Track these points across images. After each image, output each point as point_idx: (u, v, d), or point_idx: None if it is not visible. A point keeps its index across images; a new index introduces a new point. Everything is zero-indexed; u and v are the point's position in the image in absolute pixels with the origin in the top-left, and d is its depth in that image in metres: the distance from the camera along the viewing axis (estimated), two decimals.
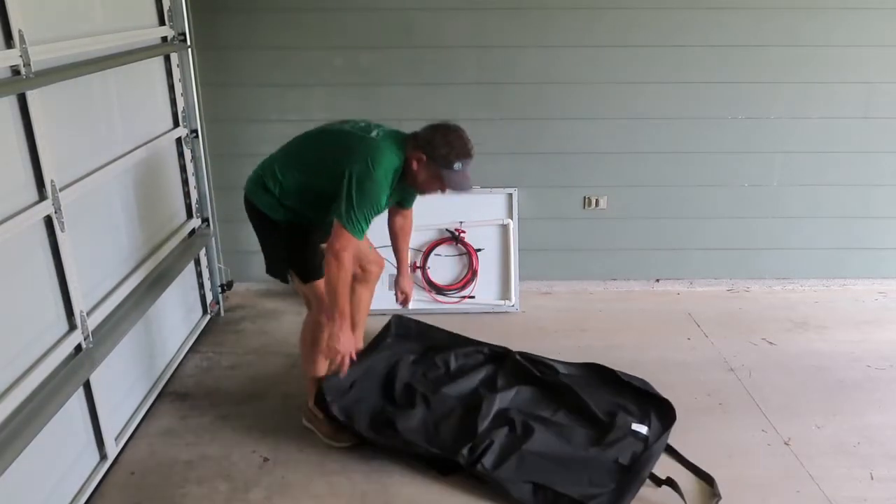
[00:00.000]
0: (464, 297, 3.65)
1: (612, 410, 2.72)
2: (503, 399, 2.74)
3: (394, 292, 2.92)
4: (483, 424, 2.59)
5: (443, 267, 3.67)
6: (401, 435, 2.53)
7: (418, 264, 3.62)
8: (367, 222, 2.30)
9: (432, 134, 2.34)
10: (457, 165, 2.33)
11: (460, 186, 2.38)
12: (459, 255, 3.66)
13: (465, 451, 2.44)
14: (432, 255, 3.63)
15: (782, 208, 3.80)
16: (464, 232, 3.61)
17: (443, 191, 2.40)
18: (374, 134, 2.40)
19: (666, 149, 3.68)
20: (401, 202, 2.68)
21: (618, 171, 3.71)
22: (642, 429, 2.62)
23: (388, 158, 2.30)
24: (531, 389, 2.83)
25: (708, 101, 3.60)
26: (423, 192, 2.47)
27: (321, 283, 2.44)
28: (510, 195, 3.63)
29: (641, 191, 3.75)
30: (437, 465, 2.47)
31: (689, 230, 3.85)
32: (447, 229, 3.62)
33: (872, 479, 2.45)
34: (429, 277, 3.63)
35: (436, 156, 2.31)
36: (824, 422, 2.76)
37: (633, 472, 2.41)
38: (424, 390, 2.77)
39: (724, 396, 2.92)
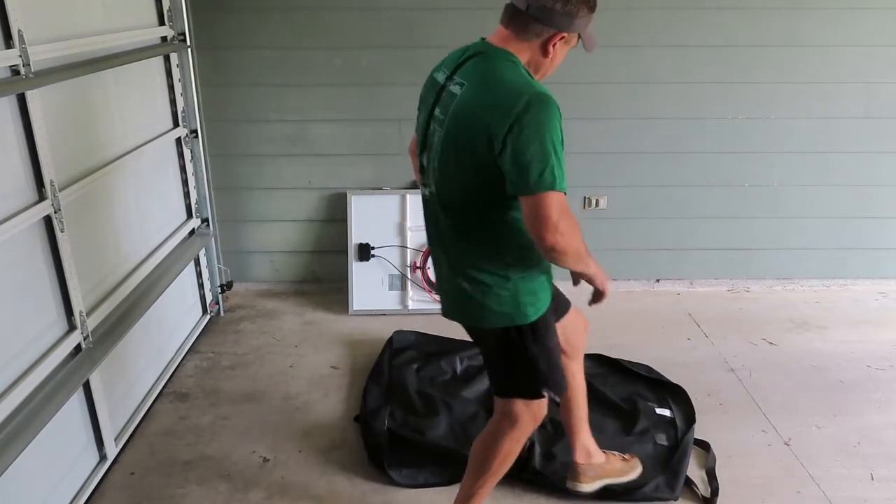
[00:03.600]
0: None
1: (629, 398, 2.79)
2: None
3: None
4: None
5: None
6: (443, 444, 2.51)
7: (418, 264, 3.62)
8: (564, 172, 1.65)
9: (550, 6, 1.66)
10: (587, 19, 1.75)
11: (593, 41, 1.84)
12: None
13: None
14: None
15: (782, 208, 3.79)
16: None
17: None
18: (481, 68, 1.72)
19: (666, 149, 3.68)
20: None
21: (618, 171, 3.71)
22: (665, 412, 2.71)
23: (528, 79, 1.72)
24: None
25: (708, 101, 3.60)
26: (548, 74, 1.87)
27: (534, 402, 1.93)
28: None
29: (641, 191, 3.75)
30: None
31: (689, 230, 3.84)
32: None
33: (873, 479, 2.45)
34: (429, 277, 3.63)
35: (577, 20, 1.70)
36: (824, 422, 2.76)
37: (680, 453, 2.47)
38: (442, 396, 2.78)
39: (724, 396, 2.92)
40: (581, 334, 2.26)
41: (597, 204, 3.76)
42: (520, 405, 1.92)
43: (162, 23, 3.04)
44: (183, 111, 3.22)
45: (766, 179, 3.74)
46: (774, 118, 3.64)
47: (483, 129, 1.62)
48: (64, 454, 2.24)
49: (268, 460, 2.54)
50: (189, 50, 3.20)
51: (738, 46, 3.50)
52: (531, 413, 1.93)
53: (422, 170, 1.85)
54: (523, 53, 1.73)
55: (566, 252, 1.70)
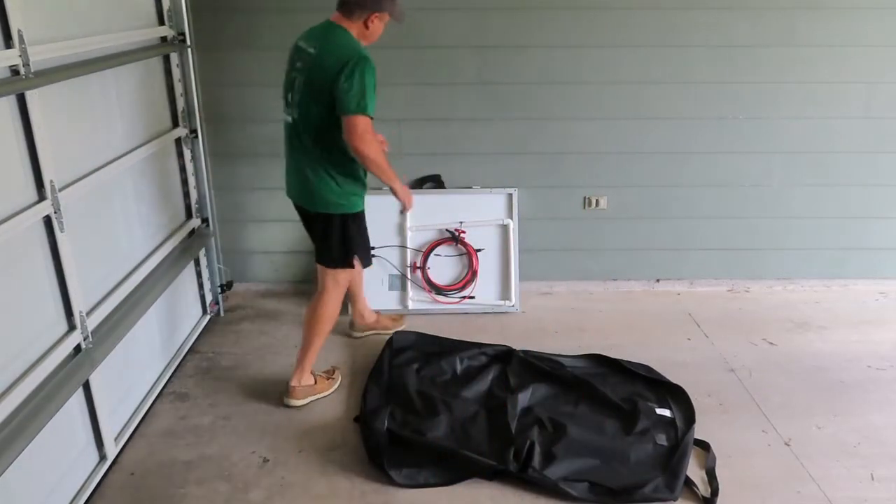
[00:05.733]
0: (464, 297, 3.64)
1: (629, 398, 2.79)
2: (524, 398, 2.76)
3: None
4: (513, 425, 2.60)
5: (443, 267, 3.66)
6: (447, 446, 2.52)
7: (418, 264, 3.63)
8: (373, 103, 2.52)
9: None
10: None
11: (402, 15, 2.65)
12: (459, 255, 3.66)
13: (510, 457, 2.43)
14: (432, 255, 3.63)
15: (782, 208, 3.79)
16: (464, 232, 3.61)
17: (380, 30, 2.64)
18: (325, 37, 2.58)
19: (666, 149, 3.68)
20: None
21: (618, 171, 3.71)
22: (665, 412, 2.72)
23: (354, 44, 2.56)
24: (546, 386, 2.86)
25: (708, 101, 3.60)
26: (372, 41, 2.66)
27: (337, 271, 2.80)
28: (510, 195, 3.63)
29: (641, 191, 3.75)
30: (479, 471, 2.43)
31: (689, 230, 3.84)
32: (447, 229, 3.62)
33: (873, 479, 2.45)
34: (429, 277, 3.63)
35: (385, 5, 2.57)
36: (824, 422, 2.76)
37: (679, 454, 2.48)
38: (442, 396, 2.78)
39: (725, 396, 2.92)
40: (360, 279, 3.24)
41: (597, 204, 3.76)
42: (336, 273, 2.79)
43: (162, 23, 3.05)
44: (183, 111, 3.22)
45: (766, 179, 3.75)
46: (774, 118, 3.64)
47: (329, 73, 2.47)
48: (64, 454, 2.24)
49: (268, 460, 2.54)
50: (189, 50, 3.20)
51: (738, 46, 3.50)
52: (344, 278, 2.83)
53: (287, 105, 2.67)
54: (353, 28, 2.57)
55: (369, 157, 2.53)
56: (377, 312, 3.45)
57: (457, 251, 3.65)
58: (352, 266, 2.79)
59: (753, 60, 3.53)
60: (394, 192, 2.77)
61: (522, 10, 3.41)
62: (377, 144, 2.60)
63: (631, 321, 3.58)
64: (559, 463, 2.43)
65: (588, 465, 2.43)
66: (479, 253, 3.63)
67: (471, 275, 3.63)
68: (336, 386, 2.97)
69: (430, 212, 3.59)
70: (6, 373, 1.95)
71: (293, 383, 2.84)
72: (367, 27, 2.58)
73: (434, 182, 3.57)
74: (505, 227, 3.65)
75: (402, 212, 2.80)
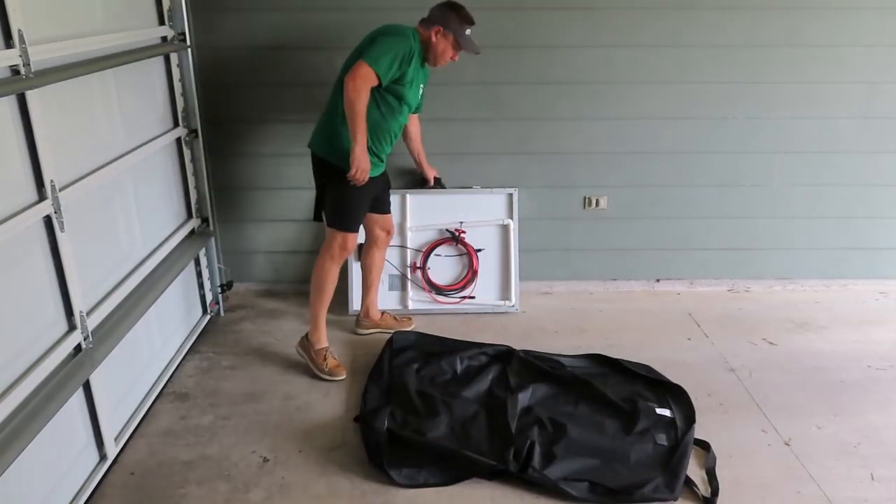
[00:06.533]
0: (464, 297, 3.65)
1: (629, 398, 2.79)
2: (524, 398, 2.76)
3: (425, 179, 3.51)
4: (513, 425, 2.60)
5: (443, 267, 3.66)
6: (447, 447, 2.51)
7: (418, 264, 3.63)
8: (387, 65, 2.71)
9: (443, 10, 2.86)
10: (468, 31, 2.87)
11: (474, 47, 2.90)
12: (459, 255, 3.66)
13: (510, 457, 2.43)
14: (432, 255, 3.63)
15: (783, 208, 3.80)
16: (464, 232, 3.61)
17: (455, 57, 2.91)
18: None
19: (666, 149, 3.68)
20: (417, 107, 3.13)
21: (618, 171, 3.71)
22: (666, 412, 2.72)
23: (406, 31, 2.82)
24: (546, 386, 2.86)
25: (708, 101, 3.60)
26: (438, 62, 2.91)
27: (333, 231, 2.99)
28: (510, 195, 3.63)
29: (641, 191, 3.75)
30: (479, 471, 2.43)
31: (689, 230, 3.85)
32: (447, 229, 3.62)
33: (873, 479, 2.45)
34: (429, 277, 3.63)
35: (451, 25, 2.82)
36: (825, 422, 2.76)
37: (679, 454, 2.48)
38: (442, 396, 2.78)
39: (725, 396, 2.92)
40: (386, 235, 3.34)
41: (597, 204, 3.76)
42: (332, 237, 2.98)
43: (162, 23, 3.05)
44: (183, 111, 3.22)
45: (766, 179, 3.75)
46: (775, 118, 3.64)
47: (371, 35, 2.83)
48: (64, 454, 2.24)
49: (268, 460, 2.54)
50: (189, 50, 3.20)
51: (738, 46, 3.50)
52: (338, 246, 2.98)
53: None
54: (424, 35, 2.86)
55: (350, 98, 2.67)
56: (383, 312, 3.49)
57: (457, 251, 3.65)
58: (346, 231, 2.95)
59: (753, 60, 3.53)
60: (352, 152, 2.75)
61: (522, 10, 3.41)
62: (365, 96, 2.70)
63: (631, 321, 3.58)
64: (559, 463, 2.43)
65: (588, 465, 2.43)
66: (479, 253, 3.63)
67: (471, 275, 3.63)
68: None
69: (431, 212, 3.60)
70: (6, 373, 1.95)
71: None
72: (432, 40, 2.84)
73: (435, 184, 3.57)
74: (505, 227, 3.65)
75: (349, 176, 2.74)
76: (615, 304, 3.79)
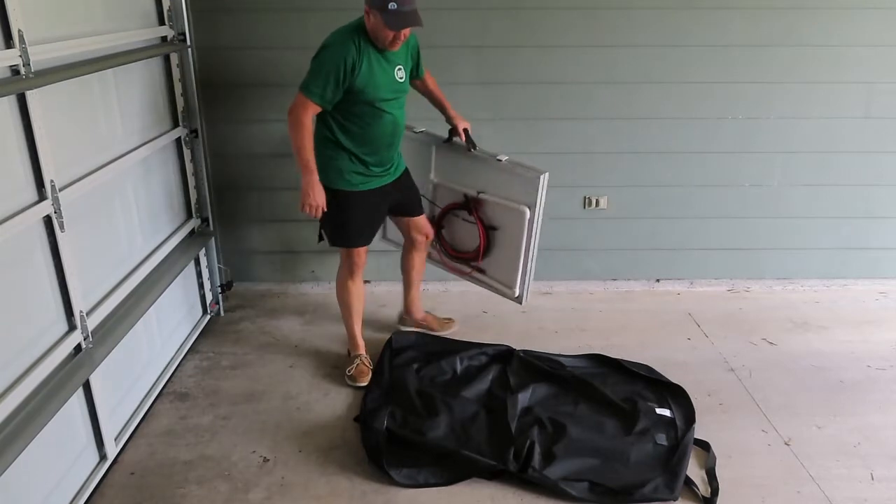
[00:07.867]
0: (474, 268, 3.28)
1: (629, 398, 2.79)
2: (524, 398, 2.76)
3: (455, 136, 3.11)
4: (513, 425, 2.60)
5: (458, 231, 3.28)
6: (451, 448, 2.51)
7: (434, 220, 3.31)
8: (321, 88, 2.57)
9: None
10: (391, 5, 2.51)
11: (395, 25, 2.54)
12: (473, 224, 3.19)
13: (510, 457, 2.43)
14: (450, 214, 3.27)
15: (783, 208, 3.80)
16: (481, 203, 3.14)
17: (399, 36, 2.60)
18: None
19: (666, 149, 3.68)
20: (411, 73, 2.92)
21: (618, 171, 3.71)
22: (665, 412, 2.72)
23: (341, 30, 2.66)
24: (546, 386, 2.86)
25: (708, 101, 3.60)
26: (385, 44, 2.62)
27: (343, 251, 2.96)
28: (540, 178, 2.91)
29: (641, 191, 3.75)
30: (479, 471, 2.43)
31: (689, 230, 3.85)
32: (465, 193, 3.17)
33: (873, 479, 2.45)
34: (443, 237, 3.34)
35: (375, 2, 2.53)
36: (824, 422, 2.76)
37: (679, 454, 2.48)
38: (442, 396, 2.78)
39: (724, 396, 2.92)
40: (423, 238, 3.19)
41: (597, 204, 3.76)
42: (340, 251, 2.96)
43: (162, 23, 3.05)
44: (183, 111, 3.22)
45: (766, 179, 3.75)
46: (775, 118, 3.64)
47: None
48: (64, 454, 2.24)
49: (268, 460, 2.54)
50: (189, 50, 3.20)
51: (738, 46, 3.50)
52: (346, 258, 2.96)
53: None
54: (365, 20, 2.63)
55: (289, 132, 2.64)
56: (427, 312, 3.45)
57: (472, 219, 3.19)
58: (349, 247, 2.91)
59: (753, 60, 3.53)
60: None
61: (522, 10, 3.41)
62: (303, 127, 2.61)
63: (631, 321, 3.58)
64: (559, 463, 2.43)
65: (588, 465, 2.43)
66: (492, 232, 3.18)
67: (484, 246, 3.20)
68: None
69: (454, 171, 3.22)
70: (6, 372, 1.95)
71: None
72: (368, 21, 2.62)
73: (466, 139, 3.10)
74: (525, 212, 2.99)
75: (300, 210, 2.67)
76: (615, 304, 3.79)
